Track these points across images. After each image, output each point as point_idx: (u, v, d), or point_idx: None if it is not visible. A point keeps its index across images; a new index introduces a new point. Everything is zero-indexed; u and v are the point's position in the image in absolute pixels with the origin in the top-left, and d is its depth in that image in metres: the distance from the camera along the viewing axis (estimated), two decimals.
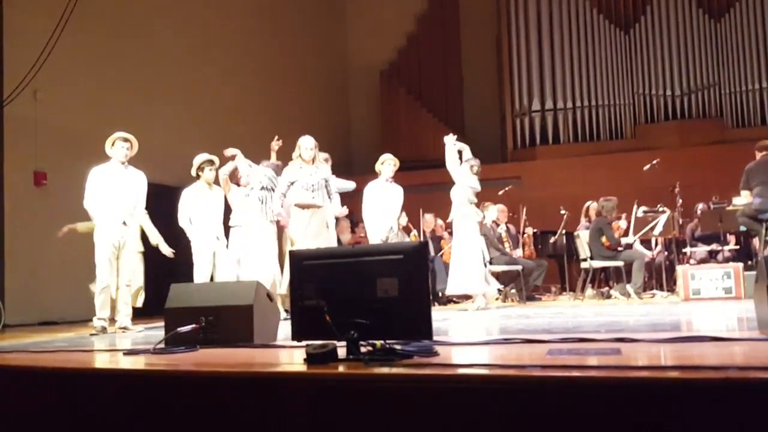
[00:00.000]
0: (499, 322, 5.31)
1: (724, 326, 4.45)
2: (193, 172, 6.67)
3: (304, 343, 2.92)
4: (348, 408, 2.35)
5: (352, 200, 7.80)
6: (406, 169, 8.37)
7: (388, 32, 15.28)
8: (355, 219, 8.91)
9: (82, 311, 6.27)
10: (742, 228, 7.81)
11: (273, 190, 6.61)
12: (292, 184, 6.50)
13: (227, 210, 6.96)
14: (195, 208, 6.57)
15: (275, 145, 7.12)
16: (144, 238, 6.88)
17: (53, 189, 8.22)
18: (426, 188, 7.97)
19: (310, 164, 6.53)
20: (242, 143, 7.24)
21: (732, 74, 12.86)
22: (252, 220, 6.58)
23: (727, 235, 8.74)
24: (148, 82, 9.81)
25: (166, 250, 6.68)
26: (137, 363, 3.17)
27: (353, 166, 13.47)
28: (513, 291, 8.90)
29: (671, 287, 8.46)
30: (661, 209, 8.95)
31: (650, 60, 13.31)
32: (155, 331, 5.35)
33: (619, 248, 8.28)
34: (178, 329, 3.65)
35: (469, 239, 7.24)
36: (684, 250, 9.07)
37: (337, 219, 7.67)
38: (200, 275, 6.42)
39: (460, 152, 7.48)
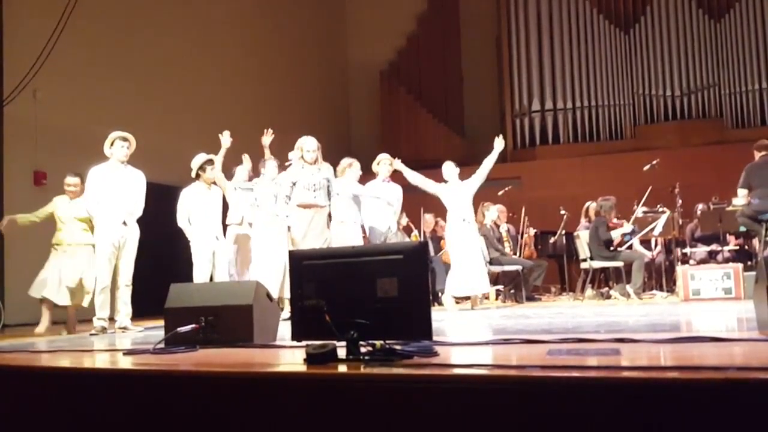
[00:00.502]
0: (499, 323, 5.31)
1: (723, 327, 4.45)
2: (194, 173, 6.65)
3: (303, 343, 2.92)
4: (348, 408, 2.35)
5: None
6: None
7: (388, 32, 15.28)
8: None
9: (81, 311, 6.27)
10: (742, 228, 7.81)
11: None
12: (294, 184, 6.49)
13: (225, 209, 6.97)
14: (194, 207, 6.56)
15: (266, 139, 7.06)
16: (143, 237, 6.87)
17: (53, 188, 8.19)
18: None
19: (313, 166, 6.51)
20: (241, 143, 7.24)
21: (732, 75, 12.86)
22: (261, 223, 6.61)
23: (727, 235, 8.74)
24: (147, 81, 9.82)
25: None
26: (137, 363, 3.17)
27: None
28: (512, 291, 8.91)
29: (671, 288, 8.46)
30: (660, 210, 8.95)
31: (650, 60, 13.31)
32: (155, 331, 5.35)
33: (617, 248, 8.29)
34: (178, 329, 3.65)
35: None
36: (684, 251, 9.08)
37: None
38: (200, 275, 6.42)
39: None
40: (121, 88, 9.29)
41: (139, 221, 6.34)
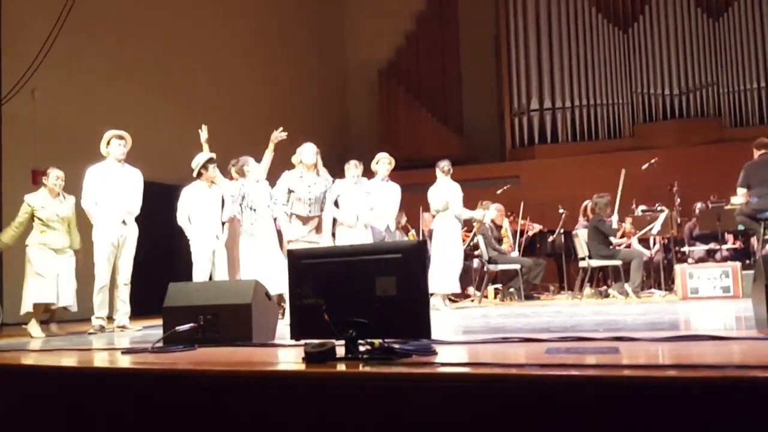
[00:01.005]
0: (498, 321, 5.31)
1: (722, 325, 4.45)
2: (195, 172, 6.62)
3: (302, 342, 2.92)
4: (346, 407, 2.35)
5: None
6: (405, 168, 8.39)
7: (387, 31, 15.28)
8: None
9: (80, 310, 6.27)
10: (740, 227, 7.82)
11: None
12: (290, 192, 6.33)
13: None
14: (194, 206, 6.55)
15: (277, 136, 6.54)
16: (142, 236, 6.86)
17: None
18: (425, 187, 7.95)
19: (312, 170, 6.31)
20: (240, 142, 7.23)
21: (730, 73, 12.86)
22: (261, 227, 6.53)
23: (725, 234, 8.75)
24: (146, 80, 9.81)
25: None
26: (135, 362, 3.17)
27: None
28: (512, 290, 8.91)
29: (669, 286, 8.47)
30: (659, 208, 8.96)
31: (649, 59, 13.31)
32: (153, 330, 5.34)
33: (617, 246, 8.29)
34: (177, 328, 3.66)
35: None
36: (682, 249, 9.09)
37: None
38: (199, 274, 6.41)
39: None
40: (119, 87, 9.28)
41: (138, 220, 6.33)
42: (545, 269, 9.44)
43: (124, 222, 6.13)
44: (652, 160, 9.28)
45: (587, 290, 8.61)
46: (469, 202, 8.06)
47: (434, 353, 2.76)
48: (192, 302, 3.86)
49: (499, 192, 9.99)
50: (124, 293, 6.13)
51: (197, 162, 6.58)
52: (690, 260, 8.78)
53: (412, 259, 2.84)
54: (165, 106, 10.02)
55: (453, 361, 2.69)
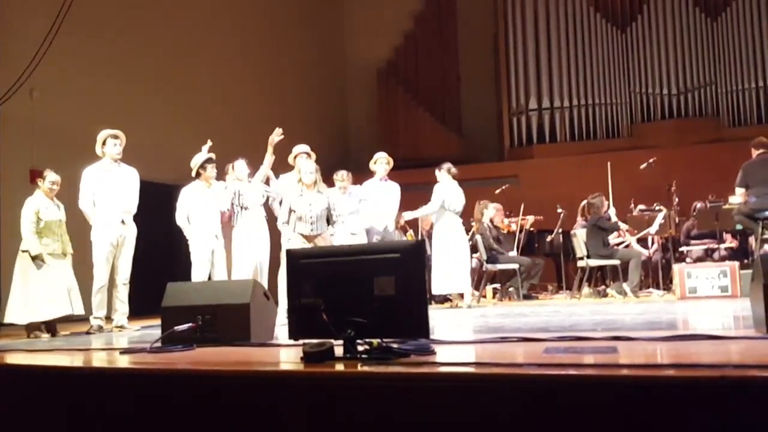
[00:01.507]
0: (496, 321, 5.31)
1: (720, 325, 4.46)
2: (194, 172, 6.62)
3: (301, 341, 2.92)
4: (345, 406, 2.36)
5: None
6: (404, 168, 8.39)
7: (386, 31, 15.27)
8: None
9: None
10: (738, 227, 7.82)
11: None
12: (292, 212, 6.24)
13: None
14: (193, 206, 6.54)
15: (275, 139, 6.50)
16: (141, 236, 6.86)
17: None
18: (423, 187, 7.96)
19: (312, 189, 6.15)
20: (240, 141, 7.23)
21: (729, 73, 12.86)
22: (243, 222, 6.54)
23: (723, 233, 8.75)
24: (144, 80, 9.80)
25: None
26: (134, 362, 3.17)
27: (350, 164, 13.44)
28: (511, 289, 8.92)
29: (668, 286, 8.47)
30: (657, 208, 8.96)
31: (647, 59, 13.31)
32: (152, 330, 5.34)
33: (616, 246, 8.30)
34: (175, 328, 3.66)
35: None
36: (681, 249, 9.10)
37: None
38: (198, 274, 6.40)
39: None
40: (117, 87, 9.27)
41: (137, 220, 6.33)
42: (544, 269, 9.43)
43: (122, 222, 6.13)
44: (651, 160, 9.28)
45: (586, 290, 8.61)
46: (468, 202, 8.07)
47: (433, 353, 2.77)
48: (190, 302, 3.86)
49: (497, 192, 9.99)
50: (122, 293, 6.13)
51: (196, 162, 6.58)
52: (688, 260, 8.78)
53: (411, 259, 2.84)
54: (164, 106, 10.01)
55: (451, 360, 2.70)
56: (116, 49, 9.43)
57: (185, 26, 10.74)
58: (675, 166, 10.50)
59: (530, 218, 9.49)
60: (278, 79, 12.91)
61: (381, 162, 7.63)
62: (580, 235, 8.46)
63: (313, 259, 3.10)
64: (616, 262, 8.19)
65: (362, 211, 7.36)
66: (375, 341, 2.72)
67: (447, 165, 7.85)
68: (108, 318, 6.12)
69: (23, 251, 5.84)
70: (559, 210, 9.59)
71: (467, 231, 9.14)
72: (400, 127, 14.40)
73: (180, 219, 6.53)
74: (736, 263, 7.47)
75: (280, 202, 6.62)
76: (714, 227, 8.34)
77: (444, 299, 8.86)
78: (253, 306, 3.75)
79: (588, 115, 13.44)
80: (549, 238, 9.84)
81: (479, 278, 9.15)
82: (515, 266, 8.62)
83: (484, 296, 8.98)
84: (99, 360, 3.53)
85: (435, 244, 7.66)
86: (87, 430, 2.83)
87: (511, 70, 13.94)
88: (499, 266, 8.73)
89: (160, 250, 8.26)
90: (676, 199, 8.95)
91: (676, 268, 7.65)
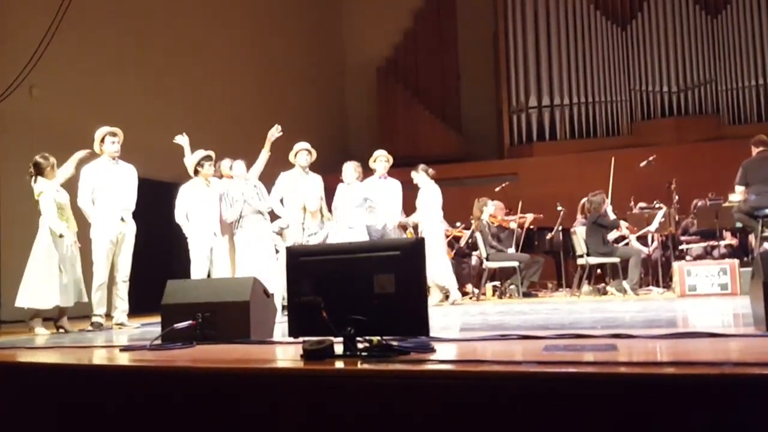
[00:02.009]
0: (496, 318, 5.32)
1: (719, 322, 4.46)
2: (192, 170, 6.62)
3: (300, 339, 2.92)
4: (345, 404, 2.36)
5: None
6: (403, 165, 8.38)
7: (385, 28, 15.26)
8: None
9: (78, 307, 6.26)
10: (738, 224, 7.82)
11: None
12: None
13: None
14: (192, 204, 6.54)
15: (274, 134, 6.59)
16: (140, 233, 6.85)
17: None
18: None
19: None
20: (238, 139, 7.23)
21: (728, 71, 12.87)
22: (246, 222, 6.58)
23: (723, 231, 8.75)
24: (143, 78, 9.79)
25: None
26: (134, 359, 3.17)
27: None
28: (512, 287, 8.92)
29: (667, 283, 8.47)
30: (657, 206, 8.96)
31: (647, 56, 13.31)
32: (152, 328, 5.35)
33: (613, 244, 8.31)
34: (175, 325, 3.65)
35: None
36: (681, 247, 9.10)
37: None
38: (197, 272, 6.41)
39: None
40: (117, 85, 9.27)
41: (137, 217, 6.33)
42: (543, 266, 9.44)
43: (122, 219, 6.13)
44: (650, 158, 9.28)
45: (585, 287, 8.61)
46: (468, 200, 8.07)
47: (432, 350, 2.77)
48: (190, 299, 3.86)
49: (497, 189, 9.99)
50: (122, 290, 6.14)
51: (194, 159, 6.59)
52: (688, 258, 8.79)
53: (411, 257, 2.84)
54: (163, 104, 10.00)
55: (451, 358, 2.70)
56: (115, 46, 9.42)
57: (185, 25, 10.73)
58: (675, 164, 10.51)
59: (529, 216, 9.47)
60: (277, 77, 12.90)
61: (381, 160, 7.64)
62: (579, 233, 8.47)
63: (312, 256, 3.09)
64: (615, 259, 8.20)
65: (365, 208, 7.37)
66: (375, 339, 2.72)
67: (423, 166, 7.96)
68: (108, 315, 6.13)
69: (45, 235, 5.72)
70: (559, 208, 9.58)
71: (467, 228, 9.14)
72: (399, 125, 14.40)
73: (179, 217, 6.53)
74: (736, 261, 7.47)
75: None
76: (713, 225, 8.34)
77: (446, 297, 8.85)
78: (253, 304, 3.75)
79: (588, 113, 13.44)
80: (549, 236, 9.84)
81: (479, 276, 9.16)
82: (515, 264, 8.62)
83: (484, 294, 8.98)
84: (99, 357, 3.53)
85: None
86: (87, 427, 2.83)
87: (511, 67, 13.93)
88: (499, 264, 8.74)
89: (159, 247, 8.26)
90: (676, 197, 8.95)
91: (675, 265, 7.65)
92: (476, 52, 15.02)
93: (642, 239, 9.24)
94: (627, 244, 9.00)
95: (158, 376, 2.77)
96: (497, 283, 9.39)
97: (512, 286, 8.94)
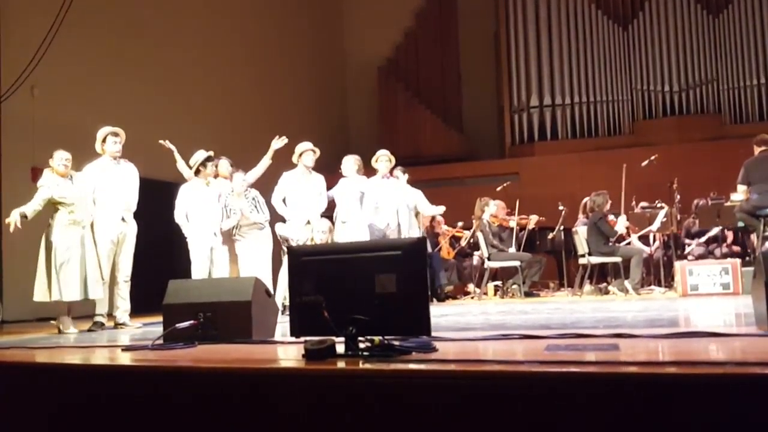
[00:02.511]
0: (497, 318, 5.31)
1: (722, 322, 4.46)
2: (193, 170, 6.61)
3: (302, 339, 2.92)
4: (346, 404, 2.35)
5: None
6: (404, 165, 8.39)
7: (386, 28, 15.26)
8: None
9: (79, 307, 6.26)
10: (740, 224, 7.81)
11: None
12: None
13: None
14: (193, 204, 6.55)
15: (278, 143, 6.81)
16: (141, 233, 6.85)
17: None
18: (424, 184, 7.98)
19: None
20: (239, 140, 7.23)
21: (730, 70, 12.86)
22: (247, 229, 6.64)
23: (725, 231, 8.74)
24: (145, 78, 9.80)
25: None
26: (135, 359, 3.17)
27: None
28: (514, 286, 8.91)
29: (669, 283, 8.47)
30: (659, 205, 8.95)
31: (648, 56, 13.30)
32: (153, 328, 5.35)
33: (617, 243, 8.29)
34: (177, 325, 3.66)
35: None
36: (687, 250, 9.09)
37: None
38: (198, 272, 6.41)
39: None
40: (118, 85, 9.27)
41: (137, 217, 6.33)
42: (545, 266, 9.43)
43: (123, 219, 6.13)
44: (652, 157, 9.27)
45: (587, 287, 8.60)
46: (469, 199, 8.07)
47: (434, 350, 2.76)
48: (192, 299, 3.86)
49: (498, 189, 9.98)
50: (124, 290, 6.13)
51: (195, 159, 6.59)
52: (690, 257, 8.78)
53: (412, 257, 2.84)
54: (164, 104, 10.01)
55: (453, 358, 2.69)
56: (117, 46, 9.42)
57: (186, 25, 10.74)
58: (676, 163, 10.50)
59: (533, 218, 9.47)
60: (279, 76, 12.90)
61: (383, 160, 7.64)
62: (581, 233, 8.46)
63: (314, 256, 3.09)
64: (617, 259, 8.19)
65: (363, 205, 7.37)
66: (376, 338, 2.72)
67: (401, 168, 7.96)
68: (109, 315, 6.13)
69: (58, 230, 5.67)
70: (561, 207, 9.58)
71: (468, 228, 9.13)
72: (400, 125, 14.40)
73: (179, 217, 6.54)
74: (738, 260, 7.47)
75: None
76: (715, 224, 8.33)
77: (446, 296, 8.86)
78: (254, 303, 3.76)
79: (589, 113, 13.43)
80: (550, 236, 9.83)
81: (480, 275, 9.15)
82: (516, 263, 8.62)
83: (486, 293, 8.98)
84: (101, 357, 3.53)
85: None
86: (88, 427, 2.84)
87: (512, 67, 13.93)
88: (500, 263, 8.73)
89: (161, 247, 8.26)
90: (678, 197, 8.94)
91: (677, 265, 7.65)
92: (477, 52, 15.02)
93: (643, 239, 9.24)
94: (628, 243, 8.99)
95: (160, 376, 2.77)
96: (499, 282, 9.38)
97: (514, 286, 8.93)
